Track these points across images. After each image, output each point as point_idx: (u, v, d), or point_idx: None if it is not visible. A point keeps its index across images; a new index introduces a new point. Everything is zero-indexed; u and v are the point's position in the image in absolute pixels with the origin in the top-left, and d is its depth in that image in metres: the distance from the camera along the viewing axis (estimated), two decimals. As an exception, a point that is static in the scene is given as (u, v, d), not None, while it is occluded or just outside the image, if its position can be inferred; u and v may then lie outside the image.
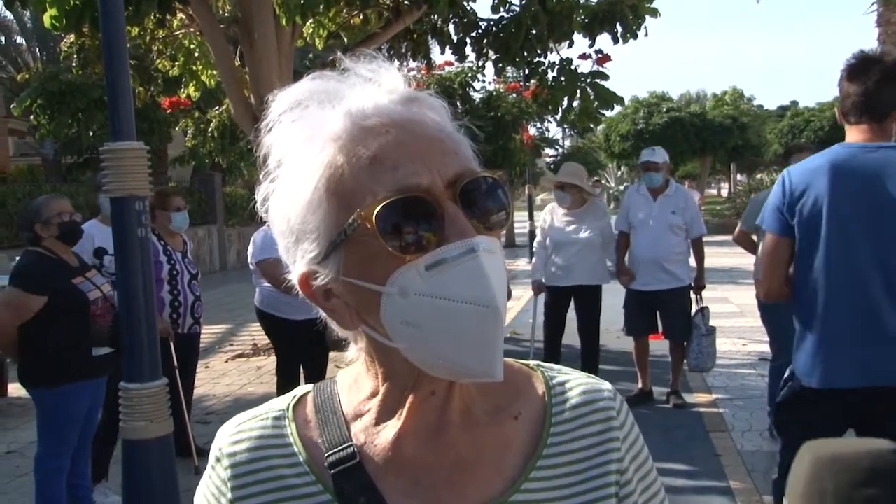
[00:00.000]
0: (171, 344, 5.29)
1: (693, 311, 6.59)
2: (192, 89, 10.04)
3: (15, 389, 7.20)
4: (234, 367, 9.10)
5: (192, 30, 9.02)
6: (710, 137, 32.84)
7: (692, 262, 6.70)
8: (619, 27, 9.05)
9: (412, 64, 11.02)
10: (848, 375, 2.88)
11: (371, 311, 0.84)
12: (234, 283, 17.02)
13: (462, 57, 10.02)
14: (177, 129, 14.30)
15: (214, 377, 8.61)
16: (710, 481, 5.07)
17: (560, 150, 39.42)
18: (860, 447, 0.99)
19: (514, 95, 15.72)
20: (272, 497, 0.90)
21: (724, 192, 57.05)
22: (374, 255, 0.81)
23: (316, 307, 0.90)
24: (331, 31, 9.16)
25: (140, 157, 3.30)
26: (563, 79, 9.57)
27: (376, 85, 0.87)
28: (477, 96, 15.90)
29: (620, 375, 7.08)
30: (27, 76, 14.50)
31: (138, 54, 9.74)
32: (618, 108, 13.99)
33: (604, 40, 9.39)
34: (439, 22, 9.53)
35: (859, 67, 2.95)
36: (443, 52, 10.35)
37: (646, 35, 9.20)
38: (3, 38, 26.97)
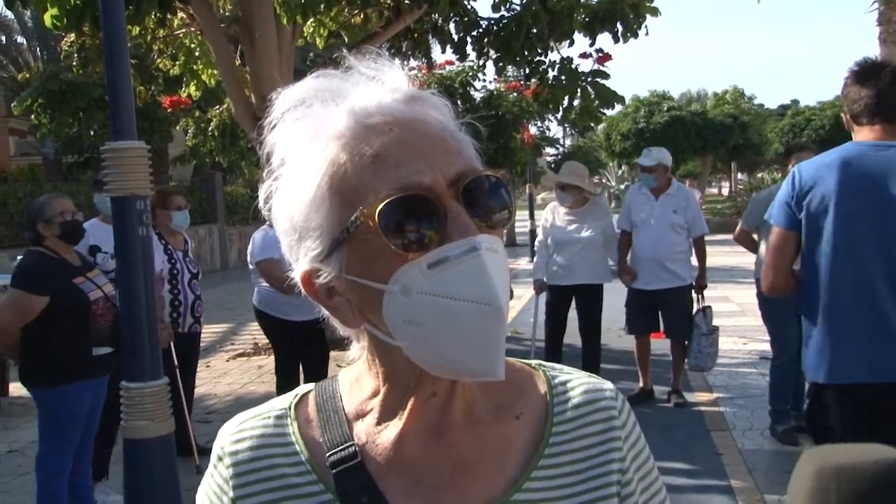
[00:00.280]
0: (172, 343, 5.29)
1: (695, 310, 6.60)
2: (192, 88, 10.05)
3: (16, 389, 7.20)
4: (235, 367, 9.11)
5: (192, 29, 9.02)
6: (710, 136, 32.80)
7: (694, 261, 6.70)
8: (619, 26, 9.05)
9: (413, 63, 11.03)
10: (855, 371, 2.90)
11: (373, 310, 0.84)
12: (235, 283, 17.02)
13: (463, 56, 10.02)
14: (177, 128, 14.31)
15: (216, 376, 8.62)
16: (711, 480, 5.07)
17: (561, 149, 39.43)
18: (865, 456, 0.97)
19: (515, 94, 15.70)
20: (274, 496, 0.90)
21: (725, 191, 57.03)
22: (377, 254, 0.81)
23: (317, 306, 0.90)
24: (331, 31, 9.16)
25: (141, 156, 3.31)
26: (563, 78, 9.57)
27: (380, 83, 0.88)
28: (478, 95, 15.89)
29: (621, 374, 7.08)
30: (28, 75, 14.51)
31: (139, 53, 9.75)
32: (618, 107, 14.00)
33: (604, 39, 9.42)
34: (440, 21, 9.54)
35: (869, 71, 3.01)
36: (443, 51, 10.36)
37: (646, 34, 9.20)
38: (3, 38, 26.97)
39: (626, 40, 9.11)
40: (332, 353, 6.18)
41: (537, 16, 8.79)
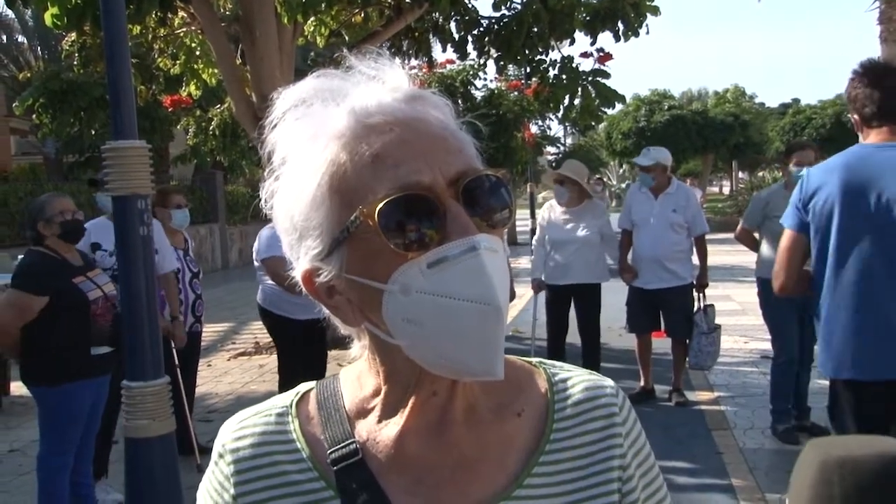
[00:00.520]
0: (172, 343, 5.29)
1: (696, 309, 6.60)
2: (193, 88, 10.05)
3: (17, 388, 7.21)
4: (236, 366, 9.11)
5: (193, 28, 9.02)
6: (711, 135, 32.76)
7: (695, 259, 6.70)
8: (620, 25, 9.04)
9: (413, 62, 11.02)
10: (865, 367, 2.98)
11: (373, 309, 0.84)
12: (236, 282, 17.03)
13: (463, 55, 10.02)
14: (178, 127, 14.31)
15: (216, 375, 8.62)
16: (712, 479, 5.07)
17: (562, 148, 39.42)
18: (869, 449, 0.97)
19: (516, 93, 15.72)
20: (275, 493, 0.90)
21: (726, 190, 57.02)
22: (377, 253, 0.81)
23: (319, 304, 0.90)
24: (332, 30, 9.16)
25: (142, 155, 3.31)
26: (564, 77, 9.57)
27: (380, 83, 0.88)
28: (478, 94, 15.91)
29: (622, 373, 7.07)
30: (29, 75, 14.51)
31: (140, 53, 9.75)
32: (619, 106, 13.99)
33: (605, 38, 9.42)
34: (441, 20, 9.54)
35: (878, 73, 3.07)
36: (444, 50, 10.37)
37: (647, 33, 9.20)
38: (4, 37, 26.98)
39: (626, 39, 9.11)
40: (333, 353, 6.19)
41: (538, 15, 8.78)
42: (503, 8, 9.16)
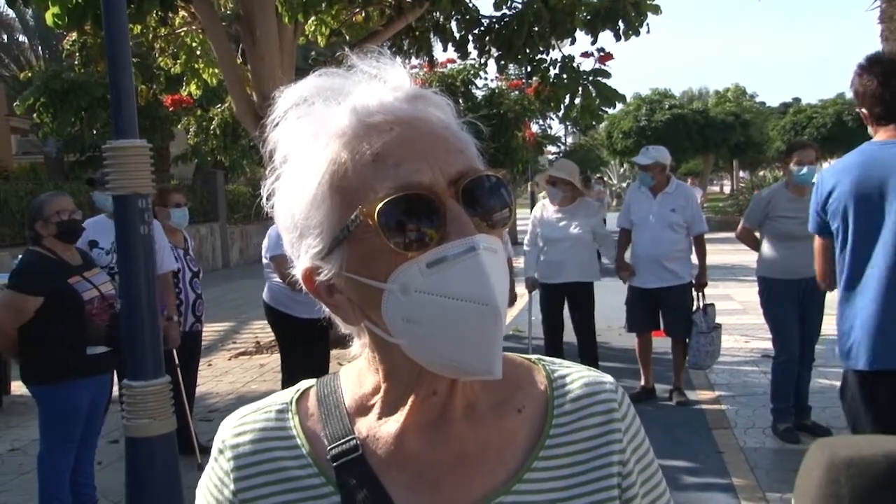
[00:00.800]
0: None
1: (695, 308, 6.60)
2: (194, 87, 10.05)
3: (18, 387, 7.21)
4: (236, 365, 9.11)
5: (194, 28, 9.02)
6: (712, 134, 32.75)
7: (694, 259, 6.70)
8: (621, 24, 9.04)
9: (414, 61, 11.01)
10: (880, 357, 3.07)
11: (373, 308, 0.84)
12: (237, 281, 17.04)
13: (464, 54, 10.01)
14: (179, 126, 14.30)
15: (217, 375, 8.62)
16: (712, 478, 5.08)
17: (562, 147, 39.40)
18: (877, 449, 0.96)
19: (517, 93, 15.71)
20: (275, 489, 0.90)
21: (727, 190, 57.00)
22: (376, 252, 0.82)
23: (320, 303, 0.90)
24: (333, 29, 9.15)
25: (142, 154, 3.31)
26: (565, 76, 9.56)
27: (382, 82, 0.88)
28: (479, 94, 15.90)
29: (623, 372, 7.07)
30: (30, 74, 14.45)
31: (140, 52, 9.75)
32: (620, 105, 13.99)
33: (606, 37, 9.39)
34: (441, 19, 9.53)
35: (889, 71, 3.13)
36: (445, 50, 10.38)
37: (647, 32, 9.19)
38: (5, 36, 26.99)
39: (627, 38, 9.10)
40: (334, 352, 6.19)
41: (539, 14, 8.78)
42: (504, 7, 9.16)
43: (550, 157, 34.96)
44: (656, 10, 9.11)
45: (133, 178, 3.27)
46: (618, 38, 9.13)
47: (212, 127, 11.76)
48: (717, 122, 33.17)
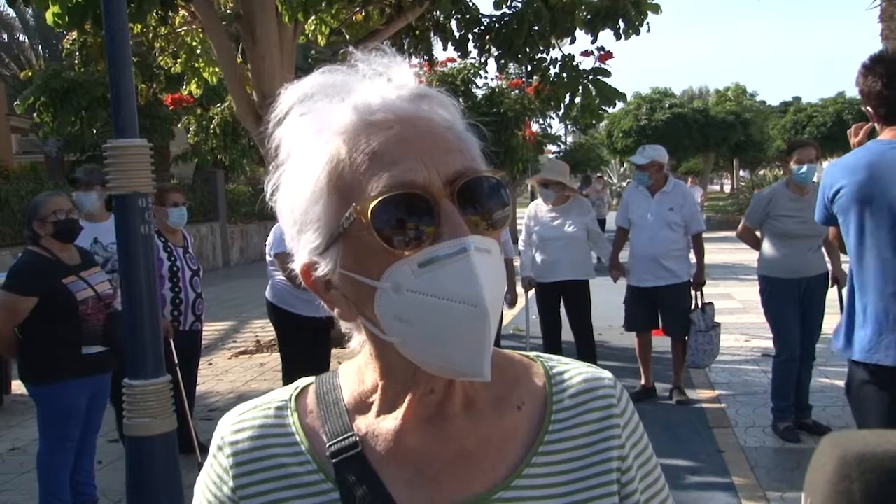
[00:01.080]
0: (171, 341, 5.29)
1: (693, 307, 6.60)
2: (194, 86, 10.04)
3: (18, 387, 7.21)
4: (237, 364, 9.11)
5: (194, 27, 9.01)
6: (712, 133, 32.74)
7: (693, 258, 6.71)
8: (621, 23, 9.02)
9: (414, 60, 11.00)
10: (883, 353, 3.10)
11: (367, 305, 0.84)
12: (237, 280, 17.04)
13: (464, 53, 9.99)
14: (179, 126, 14.28)
15: (217, 374, 8.63)
16: (713, 477, 5.08)
17: (563, 146, 39.38)
18: (890, 444, 0.96)
19: (517, 92, 15.69)
20: (274, 485, 0.91)
21: (727, 189, 56.97)
22: (370, 250, 0.82)
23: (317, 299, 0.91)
24: (333, 28, 9.15)
25: (143, 154, 3.32)
26: (565, 75, 9.55)
27: (386, 80, 0.88)
28: (479, 93, 15.88)
29: (623, 372, 7.08)
30: (30, 74, 14.42)
31: (140, 51, 9.73)
32: (620, 104, 13.98)
33: (606, 36, 9.38)
34: (441, 18, 9.52)
35: (894, 73, 3.14)
36: (445, 49, 10.35)
37: (648, 31, 9.18)
38: (5, 36, 26.99)
39: (627, 37, 9.09)
40: (334, 351, 6.18)
41: (539, 13, 8.77)
42: (504, 6, 9.15)
43: (551, 156, 34.96)
44: (656, 9, 9.10)
45: (133, 177, 3.28)
46: (618, 37, 9.12)
47: (212, 126, 11.75)
48: (717, 120, 33.16)
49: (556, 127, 36.09)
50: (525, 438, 0.92)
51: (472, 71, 14.83)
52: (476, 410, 0.91)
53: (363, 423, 0.92)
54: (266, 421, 0.94)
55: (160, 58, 9.99)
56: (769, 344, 6.37)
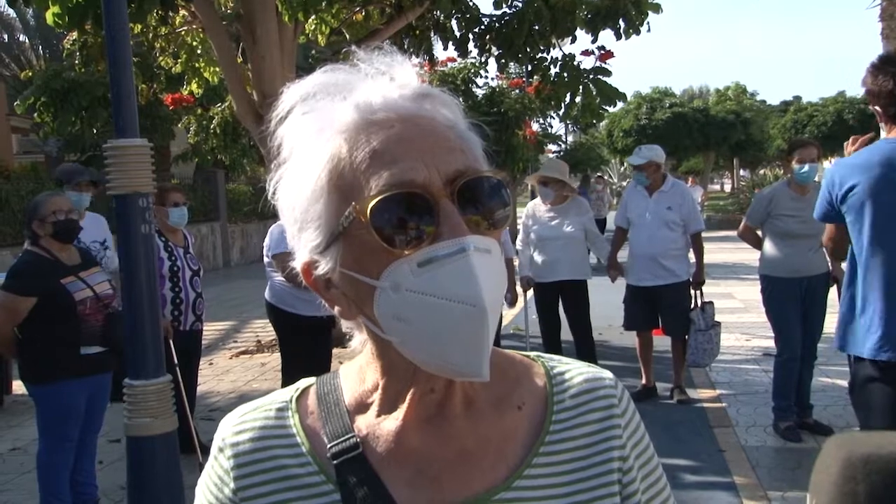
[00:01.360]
0: (171, 341, 5.29)
1: (693, 306, 6.60)
2: (194, 86, 10.04)
3: (19, 386, 7.20)
4: (237, 364, 9.11)
5: (194, 27, 9.02)
6: (713, 133, 32.73)
7: (692, 257, 6.71)
8: (621, 23, 9.02)
9: (414, 60, 10.99)
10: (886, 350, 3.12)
11: (367, 304, 0.84)
12: (238, 280, 17.04)
13: (465, 53, 9.99)
14: (179, 126, 14.29)
15: (218, 374, 8.62)
16: (714, 477, 5.08)
17: (563, 145, 39.38)
18: (894, 446, 0.96)
19: (517, 91, 15.70)
20: (274, 487, 0.90)
21: (728, 188, 56.97)
22: (370, 249, 0.82)
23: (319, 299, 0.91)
24: (333, 28, 9.15)
25: (143, 154, 3.32)
26: (565, 75, 9.56)
27: (388, 79, 0.88)
28: (480, 92, 15.89)
29: (623, 371, 7.08)
30: (30, 74, 14.43)
31: (141, 51, 9.74)
32: (620, 104, 14.00)
33: (606, 36, 9.37)
34: (441, 18, 9.51)
35: None
36: (445, 48, 10.33)
37: (648, 30, 9.18)
38: (5, 36, 26.98)
39: (628, 37, 9.09)
40: (335, 351, 6.18)
41: (539, 12, 8.77)
42: (504, 6, 9.15)
43: (551, 155, 34.96)
44: (657, 8, 9.10)
45: (134, 177, 3.28)
46: (618, 36, 9.12)
47: (212, 126, 11.75)
48: (717, 120, 33.15)
49: (557, 126, 36.07)
50: (526, 438, 0.92)
51: (472, 70, 14.85)
52: (476, 410, 0.91)
53: (364, 424, 0.92)
54: (267, 422, 0.94)
55: (160, 58, 10.00)
56: (770, 343, 6.37)
